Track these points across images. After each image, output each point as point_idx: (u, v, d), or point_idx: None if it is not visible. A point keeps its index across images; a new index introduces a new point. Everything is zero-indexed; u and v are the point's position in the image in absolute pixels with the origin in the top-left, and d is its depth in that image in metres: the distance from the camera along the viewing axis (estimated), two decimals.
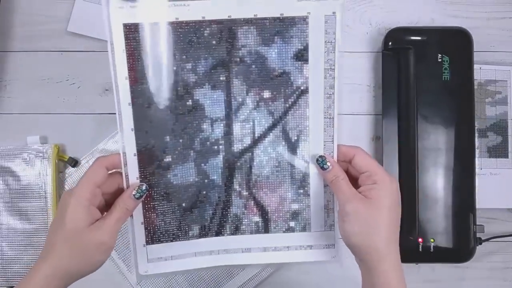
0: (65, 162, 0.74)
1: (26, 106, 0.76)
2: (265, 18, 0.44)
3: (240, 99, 0.47)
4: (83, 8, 0.76)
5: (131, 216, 0.49)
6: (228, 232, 0.51)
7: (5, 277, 0.71)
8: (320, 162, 0.47)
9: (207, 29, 0.44)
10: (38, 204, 0.72)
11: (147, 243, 0.51)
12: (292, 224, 0.51)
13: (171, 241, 0.51)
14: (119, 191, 0.49)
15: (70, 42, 0.76)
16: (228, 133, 0.48)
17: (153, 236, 0.50)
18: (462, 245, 0.68)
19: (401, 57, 0.70)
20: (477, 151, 0.72)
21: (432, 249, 0.67)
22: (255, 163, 0.49)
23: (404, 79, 0.70)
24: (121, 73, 0.46)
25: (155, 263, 0.51)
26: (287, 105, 0.47)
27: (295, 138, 0.48)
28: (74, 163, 0.73)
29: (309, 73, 0.45)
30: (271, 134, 0.48)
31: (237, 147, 0.49)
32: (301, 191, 0.50)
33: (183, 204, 0.50)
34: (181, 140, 0.48)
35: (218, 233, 0.51)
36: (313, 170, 0.48)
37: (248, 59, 0.46)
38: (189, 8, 0.43)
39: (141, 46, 0.44)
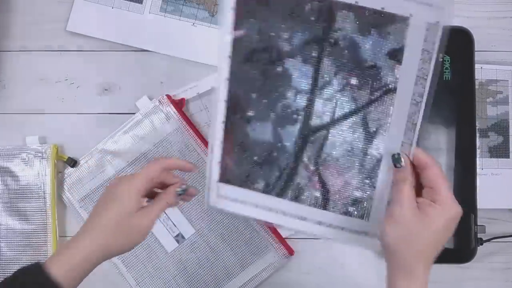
0: (64, 162, 0.73)
1: (25, 106, 0.76)
2: (365, 8, 0.43)
3: (327, 79, 0.48)
4: (82, 8, 0.76)
5: (212, 152, 0.55)
6: (288, 197, 0.53)
7: (4, 278, 0.71)
8: (395, 159, 0.47)
9: (308, 4, 0.45)
10: (37, 204, 0.72)
11: (220, 180, 0.55)
12: (351, 209, 0.51)
13: (239, 186, 0.55)
14: (163, 187, 0.56)
15: (69, 41, 0.76)
16: (309, 106, 0.49)
17: (225, 176, 0.55)
18: (463, 246, 0.68)
19: None
20: (478, 151, 0.72)
21: None
22: (328, 142, 0.50)
23: None
24: (226, 27, 0.49)
25: (223, 201, 0.56)
26: (372, 98, 0.47)
27: (374, 129, 0.48)
28: (73, 163, 0.73)
29: (399, 74, 0.45)
30: (351, 118, 0.48)
31: (314, 121, 0.50)
32: (367, 181, 0.50)
33: (255, 158, 0.53)
34: (264, 101, 0.51)
35: (279, 195, 0.53)
36: (384, 164, 0.48)
37: (342, 43, 0.46)
38: None
39: (252, 9, 0.48)
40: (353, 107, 0.48)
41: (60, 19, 0.76)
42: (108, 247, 0.50)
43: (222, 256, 0.72)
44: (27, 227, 0.72)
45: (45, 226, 0.72)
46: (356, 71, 0.47)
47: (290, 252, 0.71)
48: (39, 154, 0.72)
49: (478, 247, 0.69)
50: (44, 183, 0.72)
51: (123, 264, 0.72)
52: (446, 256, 0.68)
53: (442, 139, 0.69)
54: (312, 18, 0.46)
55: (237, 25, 0.49)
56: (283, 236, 0.72)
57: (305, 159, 0.52)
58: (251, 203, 0.55)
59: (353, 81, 0.47)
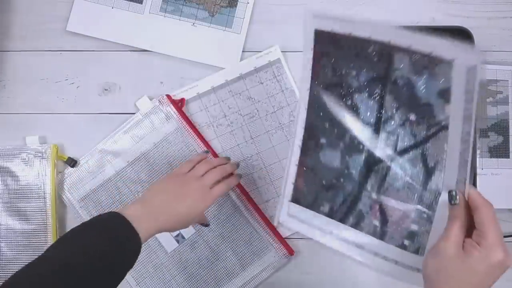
0: (64, 162, 0.73)
1: (25, 106, 0.76)
2: (417, 52, 0.47)
3: (390, 113, 0.51)
4: (82, 8, 0.76)
5: (287, 173, 0.60)
6: (349, 223, 0.55)
7: (4, 278, 0.71)
8: (451, 196, 0.48)
9: (371, 46, 0.49)
10: (37, 204, 0.72)
11: (291, 200, 0.60)
12: (406, 242, 0.52)
13: (306, 207, 0.59)
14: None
15: (69, 41, 0.76)
16: (374, 138, 0.53)
17: (297, 197, 0.59)
18: None
19: None
20: (478, 151, 0.72)
21: None
22: (390, 173, 0.52)
23: None
24: (307, 64, 0.56)
25: (292, 220, 0.60)
26: (429, 134, 0.49)
27: (432, 165, 0.49)
28: (73, 163, 0.73)
29: (449, 113, 0.47)
30: (411, 152, 0.51)
31: (378, 153, 0.53)
32: (425, 215, 0.51)
33: (323, 182, 0.57)
34: (335, 130, 0.55)
35: (342, 220, 0.56)
36: (443, 200, 0.49)
37: (401, 82, 0.49)
38: (360, 26, 0.50)
39: (327, 50, 0.54)
40: (412, 142, 0.50)
41: (60, 19, 0.76)
42: (167, 229, 0.58)
43: (222, 256, 0.72)
44: (27, 227, 0.72)
45: (45, 226, 0.72)
46: (414, 108, 0.49)
47: (290, 252, 0.71)
48: (39, 154, 0.72)
49: None
50: (44, 183, 0.72)
51: None
52: None
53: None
54: (375, 59, 0.50)
55: (315, 62, 0.55)
56: (283, 236, 0.72)
57: (368, 187, 0.54)
58: (315, 226, 0.58)
59: (412, 117, 0.50)
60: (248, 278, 0.72)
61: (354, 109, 0.53)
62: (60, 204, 0.74)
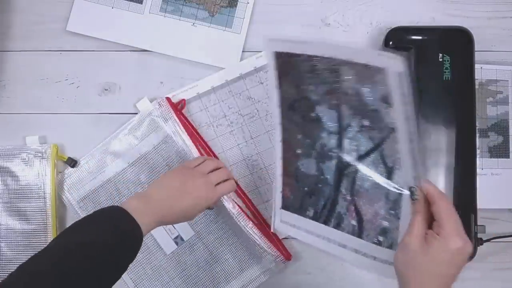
0: (64, 162, 0.73)
1: (25, 106, 0.76)
2: (357, 64, 0.50)
3: (348, 121, 0.55)
4: (82, 8, 0.76)
5: (275, 183, 0.66)
6: (332, 224, 0.60)
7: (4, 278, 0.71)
8: (411, 192, 0.51)
9: (322, 63, 0.54)
10: (37, 205, 0.72)
11: (282, 207, 0.65)
12: (380, 238, 0.55)
13: (295, 213, 0.63)
14: None
15: (69, 41, 0.76)
16: (339, 145, 0.57)
17: (285, 204, 0.65)
18: None
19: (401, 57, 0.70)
20: (478, 151, 0.72)
21: None
22: (358, 175, 0.56)
23: None
24: (273, 83, 0.61)
25: (284, 225, 0.65)
26: (382, 136, 0.53)
27: (391, 165, 0.53)
28: (74, 163, 0.73)
29: (394, 116, 0.50)
30: (372, 155, 0.55)
31: (346, 158, 0.57)
32: (393, 212, 0.54)
33: (305, 188, 0.62)
34: (308, 140, 0.60)
35: (325, 222, 0.60)
36: (406, 196, 0.52)
37: (350, 92, 0.53)
38: (309, 46, 0.54)
39: (287, 69, 0.59)
40: (371, 145, 0.54)
41: (60, 19, 0.76)
42: (168, 222, 0.61)
43: (220, 258, 0.72)
44: (27, 227, 0.72)
45: (45, 226, 0.72)
46: (365, 114, 0.53)
47: (287, 257, 0.71)
48: (39, 154, 0.72)
49: (478, 247, 0.69)
50: (44, 183, 0.72)
51: None
52: None
53: (442, 139, 0.69)
54: (326, 73, 0.54)
55: (280, 81, 0.60)
56: (281, 237, 0.72)
57: (342, 190, 0.58)
58: (304, 229, 0.62)
59: (366, 122, 0.54)
60: (246, 281, 0.72)
61: (319, 120, 0.58)
62: (60, 204, 0.74)
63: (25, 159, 0.72)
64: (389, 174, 0.53)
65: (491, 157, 0.73)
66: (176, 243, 0.72)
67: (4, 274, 0.70)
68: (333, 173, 0.59)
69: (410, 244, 0.49)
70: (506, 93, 0.73)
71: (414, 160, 0.49)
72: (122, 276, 0.70)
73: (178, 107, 0.73)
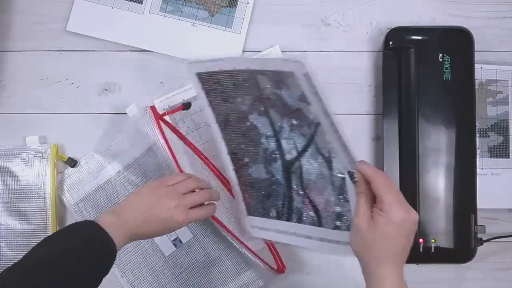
0: (64, 162, 0.73)
1: (25, 106, 0.76)
2: (269, 71, 0.53)
3: (279, 124, 0.58)
4: (82, 8, 0.76)
5: (235, 193, 0.68)
6: (294, 220, 0.63)
7: None
8: (350, 175, 0.53)
9: (240, 75, 0.57)
10: (37, 205, 0.72)
11: (248, 214, 0.67)
12: (338, 223, 0.58)
13: (260, 216, 0.66)
14: None
15: (69, 41, 0.76)
16: (279, 146, 0.60)
17: (250, 210, 0.67)
18: (463, 246, 0.68)
19: (401, 57, 0.70)
20: (478, 151, 0.72)
21: (433, 250, 0.67)
22: (304, 170, 0.59)
23: (404, 78, 0.70)
24: (204, 102, 0.63)
25: (255, 229, 0.67)
26: (312, 131, 0.55)
27: (327, 155, 0.55)
28: (74, 163, 0.73)
29: (314, 112, 0.53)
30: (309, 149, 0.57)
31: (288, 156, 0.60)
32: (341, 197, 0.56)
33: (263, 192, 0.65)
34: (250, 148, 0.63)
35: (288, 219, 0.63)
36: (348, 180, 0.54)
37: (273, 97, 0.56)
38: (227, 61, 0.57)
39: (212, 87, 0.61)
40: (305, 141, 0.57)
41: (60, 19, 0.76)
42: (141, 237, 0.59)
43: (218, 261, 0.72)
44: (27, 227, 0.72)
45: (45, 226, 0.72)
46: (291, 115, 0.56)
47: (280, 269, 0.70)
48: (39, 154, 0.72)
49: (478, 247, 0.69)
50: (44, 183, 0.72)
51: (118, 269, 0.72)
52: (446, 256, 0.68)
53: (442, 139, 0.69)
54: (247, 84, 0.57)
55: (209, 99, 0.62)
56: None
57: (294, 186, 0.61)
58: (273, 230, 0.65)
59: (294, 122, 0.57)
60: (243, 283, 0.72)
61: (255, 128, 0.61)
62: (60, 204, 0.74)
63: (25, 159, 0.72)
64: (328, 163, 0.56)
65: (491, 157, 0.73)
66: (175, 245, 0.72)
67: None
68: (282, 173, 0.61)
69: (359, 225, 0.50)
70: (506, 93, 0.73)
71: (343, 147, 0.52)
72: (119, 279, 0.71)
73: (164, 117, 0.71)
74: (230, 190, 0.71)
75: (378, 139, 0.74)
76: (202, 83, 0.61)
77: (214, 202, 0.64)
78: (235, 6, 0.75)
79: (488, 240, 0.70)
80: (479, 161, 0.71)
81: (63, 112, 0.76)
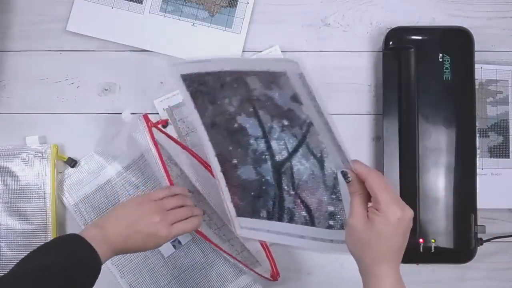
0: (64, 162, 0.73)
1: (25, 106, 0.76)
2: (260, 71, 0.52)
3: (269, 124, 0.58)
4: (82, 8, 0.76)
5: (223, 195, 0.66)
6: (286, 220, 0.62)
7: None
8: (344, 175, 0.52)
9: (228, 76, 0.56)
10: (37, 205, 0.72)
11: (237, 215, 0.67)
12: (331, 222, 0.58)
13: (250, 217, 0.65)
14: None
15: (69, 41, 0.76)
16: (269, 147, 0.59)
17: (239, 211, 0.66)
18: (463, 246, 0.68)
19: (401, 57, 0.70)
20: (478, 151, 0.72)
21: (433, 250, 0.67)
22: (295, 170, 0.59)
23: (405, 78, 0.70)
24: (189, 105, 0.62)
25: (245, 230, 0.67)
26: (304, 131, 0.55)
27: (319, 154, 0.55)
28: (74, 163, 0.73)
29: (307, 112, 0.52)
30: (300, 150, 0.57)
31: (278, 157, 0.59)
32: (334, 196, 0.56)
33: (252, 193, 0.64)
34: (239, 150, 0.62)
35: (280, 219, 0.63)
36: (341, 180, 0.53)
37: (262, 98, 0.55)
38: (214, 62, 0.56)
39: (198, 88, 0.60)
40: (296, 141, 0.57)
41: (60, 19, 0.76)
42: (127, 251, 0.59)
43: (216, 263, 0.72)
44: (27, 227, 0.72)
45: (45, 226, 0.72)
46: (282, 115, 0.55)
47: (274, 276, 0.70)
48: (39, 154, 0.72)
49: (478, 247, 0.69)
50: (44, 183, 0.72)
51: (117, 269, 0.72)
52: (446, 256, 0.68)
53: (442, 139, 0.69)
54: (235, 85, 0.56)
55: (195, 101, 0.61)
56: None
57: (285, 186, 0.60)
58: (264, 230, 0.64)
59: (285, 122, 0.56)
60: (242, 285, 0.72)
61: (243, 129, 0.60)
62: (60, 204, 0.74)
63: (25, 159, 0.72)
64: (320, 163, 0.55)
65: (491, 157, 0.73)
66: (174, 247, 0.72)
67: None
68: (272, 174, 0.61)
69: (354, 225, 0.50)
70: (506, 93, 0.73)
71: (337, 146, 0.51)
72: (119, 279, 0.71)
73: (159, 126, 0.70)
74: None
75: (378, 139, 0.74)
76: (187, 85, 0.60)
77: (199, 215, 0.65)
78: (235, 6, 0.75)
79: (488, 240, 0.70)
80: (479, 161, 0.71)
81: (63, 112, 0.76)
